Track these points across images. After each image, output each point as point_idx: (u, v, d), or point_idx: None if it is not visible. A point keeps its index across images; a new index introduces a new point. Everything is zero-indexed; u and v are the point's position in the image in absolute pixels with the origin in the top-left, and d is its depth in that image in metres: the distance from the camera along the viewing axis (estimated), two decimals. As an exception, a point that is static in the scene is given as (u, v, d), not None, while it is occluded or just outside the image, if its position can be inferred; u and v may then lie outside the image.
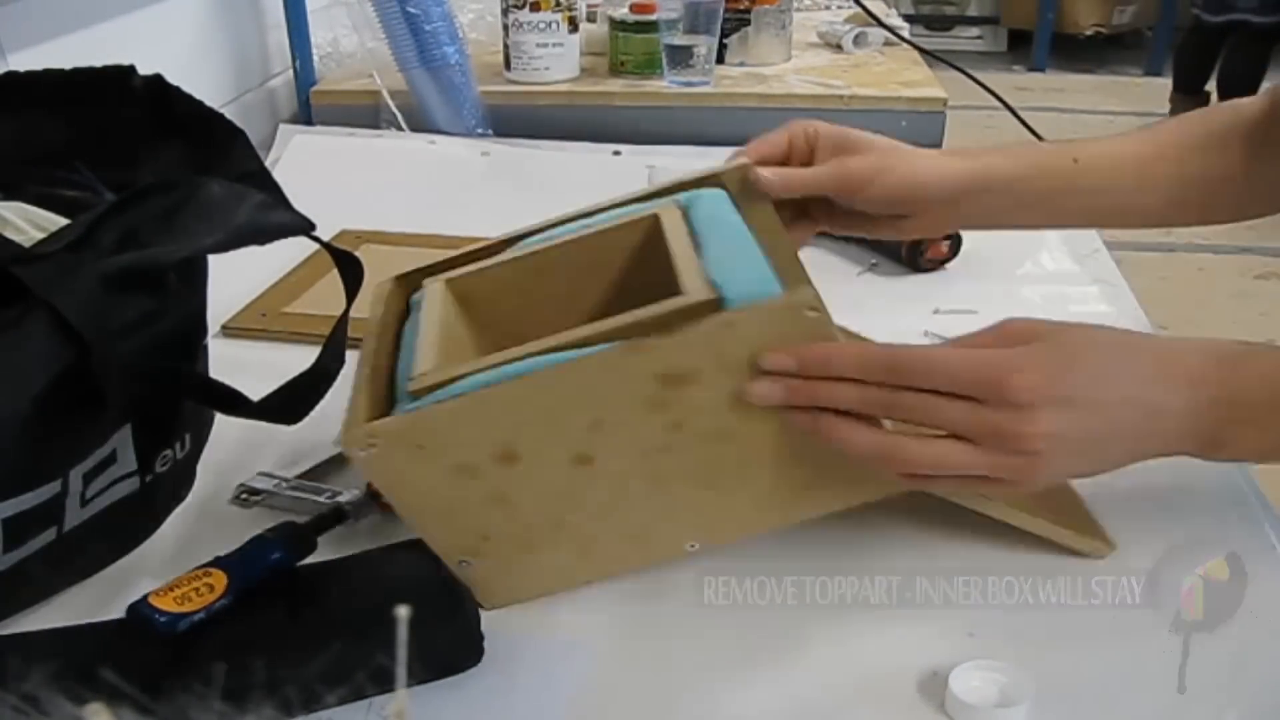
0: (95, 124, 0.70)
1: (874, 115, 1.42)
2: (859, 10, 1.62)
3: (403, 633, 0.30)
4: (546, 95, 1.46)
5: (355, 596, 0.62)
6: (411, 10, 1.37)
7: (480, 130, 1.44)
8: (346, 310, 0.72)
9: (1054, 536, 0.66)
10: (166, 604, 0.58)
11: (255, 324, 0.96)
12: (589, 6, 1.62)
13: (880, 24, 1.61)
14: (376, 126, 1.45)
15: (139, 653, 0.57)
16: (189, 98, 0.71)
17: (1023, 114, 1.43)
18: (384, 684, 0.56)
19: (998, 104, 1.42)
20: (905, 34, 1.66)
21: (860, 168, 0.73)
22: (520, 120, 1.45)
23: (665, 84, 1.46)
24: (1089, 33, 5.12)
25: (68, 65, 0.71)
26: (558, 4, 1.43)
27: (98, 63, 0.71)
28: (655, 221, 0.67)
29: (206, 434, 0.73)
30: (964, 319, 0.81)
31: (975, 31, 5.41)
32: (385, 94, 1.44)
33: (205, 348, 0.71)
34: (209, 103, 0.71)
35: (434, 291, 0.69)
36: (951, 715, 0.57)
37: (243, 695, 0.51)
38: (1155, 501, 0.72)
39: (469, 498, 0.60)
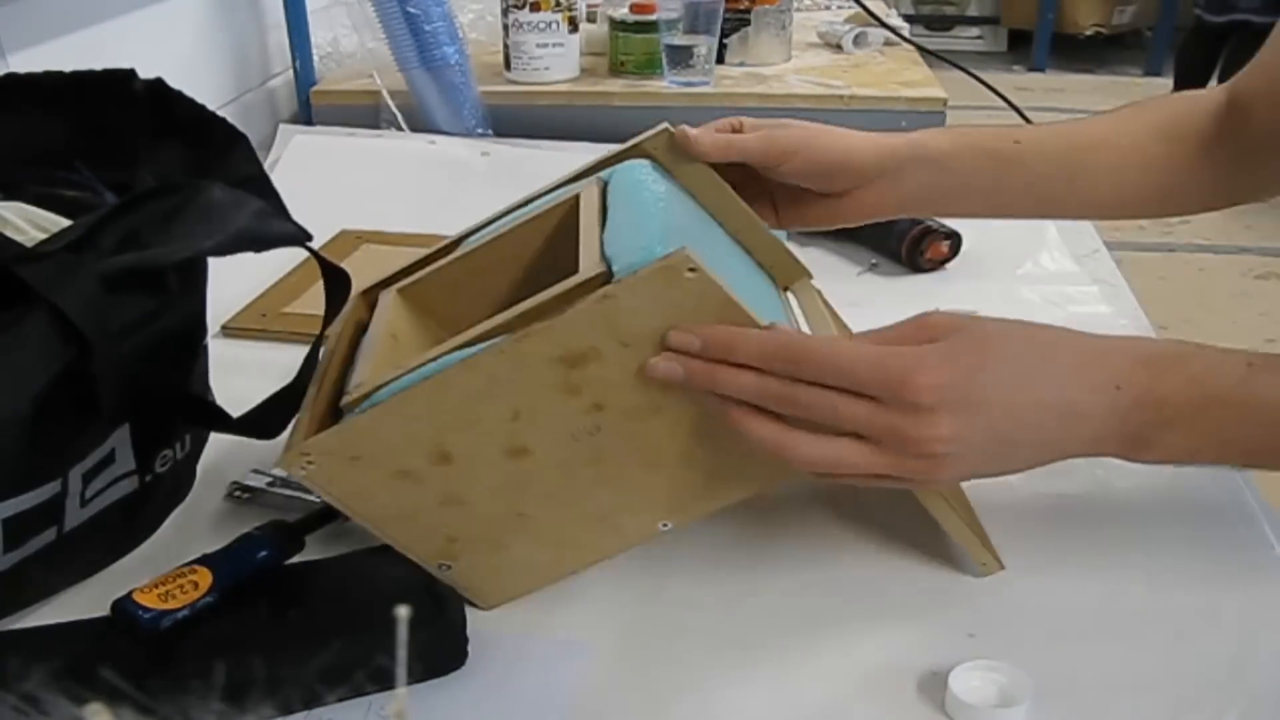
0: (95, 125, 0.70)
1: (874, 115, 1.42)
2: (859, 10, 1.62)
3: (402, 633, 0.30)
4: (546, 95, 1.46)
5: (341, 597, 0.62)
6: (411, 10, 1.37)
7: (480, 130, 1.44)
8: (324, 327, 0.71)
9: (962, 539, 0.65)
10: (151, 601, 0.58)
11: (255, 324, 0.96)
12: (589, 6, 1.62)
13: (881, 24, 1.61)
14: (376, 126, 1.45)
15: (123, 649, 0.58)
16: (190, 101, 0.71)
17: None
18: (372, 682, 0.56)
19: (997, 104, 1.42)
20: (905, 34, 1.66)
21: (787, 136, 0.73)
22: (520, 120, 1.45)
23: (665, 84, 1.46)
24: (1089, 33, 5.12)
25: (68, 65, 0.71)
26: (558, 4, 1.43)
27: (98, 63, 0.71)
28: (575, 202, 0.66)
29: (206, 435, 0.73)
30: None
31: (975, 31, 5.41)
32: (385, 94, 1.44)
33: (205, 348, 0.71)
34: (209, 103, 0.71)
35: (385, 302, 0.69)
36: (951, 715, 0.57)
37: (226, 693, 0.52)
38: (1154, 501, 0.72)
39: (420, 502, 0.60)
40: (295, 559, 0.65)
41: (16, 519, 0.59)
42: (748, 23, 1.53)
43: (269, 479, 0.73)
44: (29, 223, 0.62)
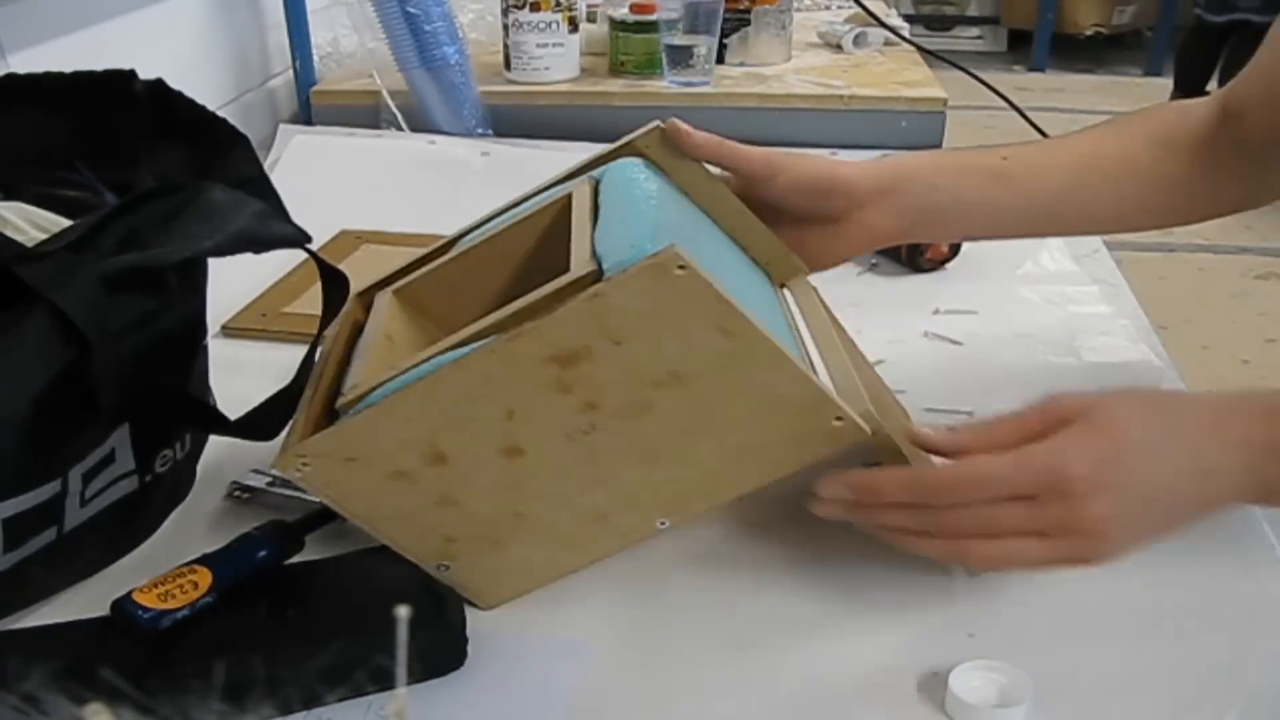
0: (96, 125, 0.70)
1: (874, 115, 1.42)
2: (859, 10, 1.62)
3: (402, 633, 0.30)
4: (546, 95, 1.46)
5: (340, 597, 0.62)
6: (411, 10, 1.37)
7: (480, 130, 1.44)
8: (321, 329, 0.71)
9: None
10: (150, 600, 0.58)
11: (255, 324, 0.96)
12: (589, 6, 1.62)
13: (881, 24, 1.61)
14: (376, 126, 1.45)
15: (122, 649, 0.58)
16: (190, 101, 0.71)
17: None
18: (371, 682, 0.56)
19: (997, 104, 1.43)
20: (905, 34, 1.66)
21: (779, 154, 0.73)
22: (520, 120, 1.45)
23: (665, 84, 1.46)
24: (1089, 33, 5.12)
25: (68, 65, 0.71)
26: (558, 4, 1.43)
27: (98, 63, 0.71)
28: (567, 201, 0.66)
29: (206, 435, 0.73)
30: (964, 319, 0.81)
31: (975, 31, 5.41)
32: (385, 94, 1.44)
33: (205, 348, 0.71)
34: (209, 103, 0.71)
35: (381, 303, 0.69)
36: (951, 715, 0.57)
37: (226, 693, 0.52)
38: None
39: (417, 503, 0.60)
40: (295, 559, 0.65)
41: (16, 519, 0.59)
42: (748, 23, 1.53)
43: (269, 479, 0.73)
44: (29, 223, 0.62)
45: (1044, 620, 0.64)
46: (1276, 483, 0.60)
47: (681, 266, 0.54)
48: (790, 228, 0.75)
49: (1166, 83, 4.48)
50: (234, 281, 0.94)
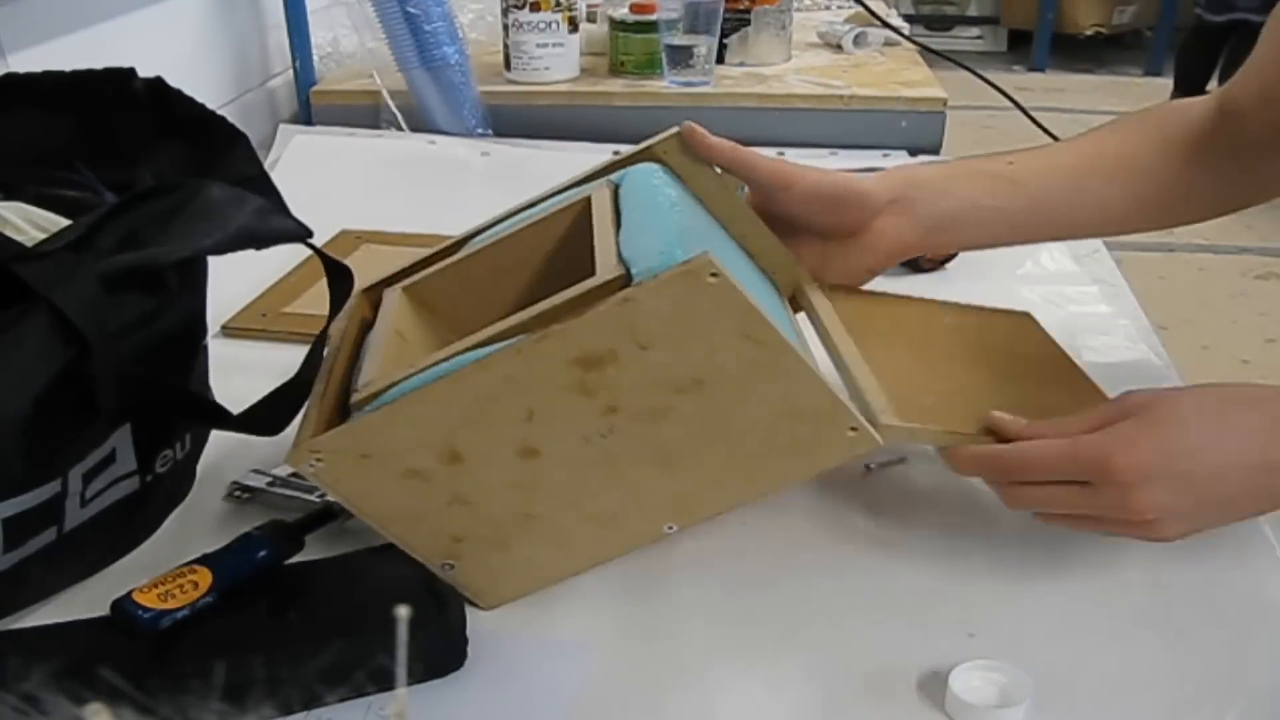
0: (95, 125, 0.70)
1: (874, 115, 1.42)
2: (859, 10, 1.62)
3: (402, 633, 0.30)
4: (546, 95, 1.46)
5: (341, 597, 0.62)
6: (411, 10, 1.37)
7: (480, 130, 1.44)
8: (328, 323, 0.71)
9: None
10: (150, 600, 0.58)
11: (255, 324, 0.96)
12: (589, 6, 1.62)
13: (884, 24, 1.61)
14: (376, 126, 1.45)
15: (122, 649, 0.57)
16: (190, 100, 0.71)
17: (1022, 115, 1.43)
18: (371, 682, 0.56)
19: (997, 104, 1.43)
20: (906, 33, 1.66)
21: (794, 166, 0.73)
22: (520, 120, 1.45)
23: (665, 84, 1.46)
24: (1089, 33, 5.12)
25: (68, 65, 0.71)
26: (558, 4, 1.43)
27: (98, 63, 0.71)
28: (586, 204, 0.66)
29: (206, 434, 0.73)
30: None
31: (975, 31, 5.41)
32: (385, 94, 1.44)
33: (205, 348, 0.71)
34: (209, 103, 0.71)
35: (391, 299, 0.69)
36: (951, 715, 0.57)
37: (226, 693, 0.52)
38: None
39: (428, 501, 0.60)
40: (295, 559, 0.65)
41: (16, 519, 0.59)
42: (748, 23, 1.53)
43: (269, 479, 0.74)
44: (29, 223, 0.62)
45: (1044, 620, 0.64)
46: None
47: (714, 274, 0.54)
48: (811, 243, 0.75)
49: (1166, 83, 4.48)
50: (234, 281, 0.94)
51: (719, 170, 0.73)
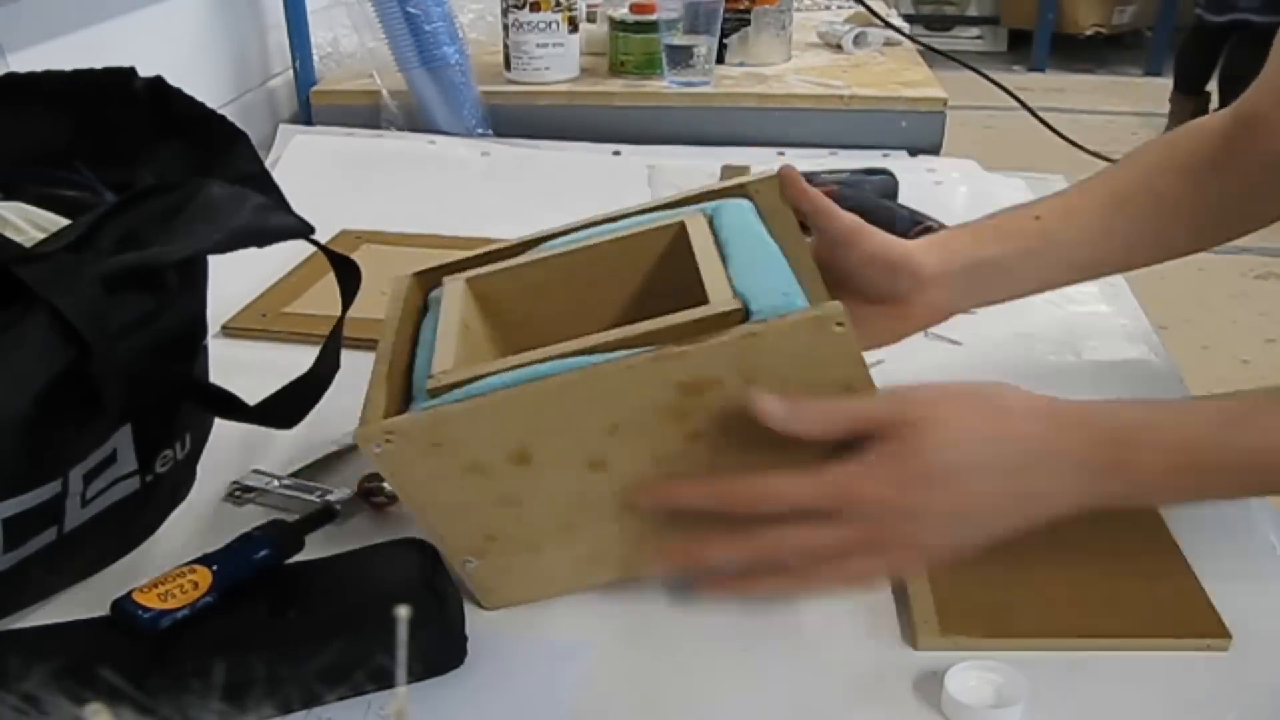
0: (95, 124, 0.70)
1: (874, 115, 1.43)
2: (859, 10, 1.62)
3: (402, 632, 0.30)
4: (546, 95, 1.46)
5: (340, 596, 0.62)
6: (411, 10, 1.37)
7: (480, 130, 1.44)
8: (342, 316, 0.72)
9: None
10: (150, 600, 0.58)
11: (255, 324, 0.96)
12: (589, 6, 1.62)
13: (886, 24, 1.61)
14: (376, 126, 1.45)
15: (122, 649, 0.58)
16: (190, 99, 0.71)
17: (1023, 115, 1.43)
18: (369, 681, 0.56)
19: (997, 104, 1.43)
20: (906, 33, 1.66)
21: (862, 226, 0.73)
22: (520, 120, 1.45)
23: (665, 84, 1.46)
24: (1089, 33, 5.12)
25: (68, 65, 0.71)
26: (558, 4, 1.43)
27: (98, 63, 0.71)
28: (681, 229, 0.67)
29: (206, 434, 0.73)
30: (964, 319, 0.81)
31: (975, 31, 5.41)
32: (385, 94, 1.44)
33: (205, 348, 0.71)
34: (209, 103, 0.71)
35: (454, 289, 0.69)
36: (947, 715, 0.57)
37: (226, 692, 0.52)
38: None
39: (480, 498, 0.60)
40: (295, 559, 0.65)
41: (16, 519, 0.59)
42: (748, 23, 1.53)
43: (269, 479, 0.74)
44: (29, 223, 0.62)
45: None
46: (1113, 499, 0.60)
47: (840, 324, 0.56)
48: (857, 303, 0.73)
49: (1166, 83, 4.48)
50: (234, 281, 0.94)
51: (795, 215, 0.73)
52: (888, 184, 1.18)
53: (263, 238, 0.64)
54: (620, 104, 1.45)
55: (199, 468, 0.73)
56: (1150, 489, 0.61)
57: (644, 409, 0.58)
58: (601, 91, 1.47)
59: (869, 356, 0.59)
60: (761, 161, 1.26)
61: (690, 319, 0.57)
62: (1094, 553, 0.67)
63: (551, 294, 0.69)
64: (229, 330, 0.95)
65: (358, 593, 0.63)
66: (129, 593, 0.59)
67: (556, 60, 1.46)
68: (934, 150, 1.43)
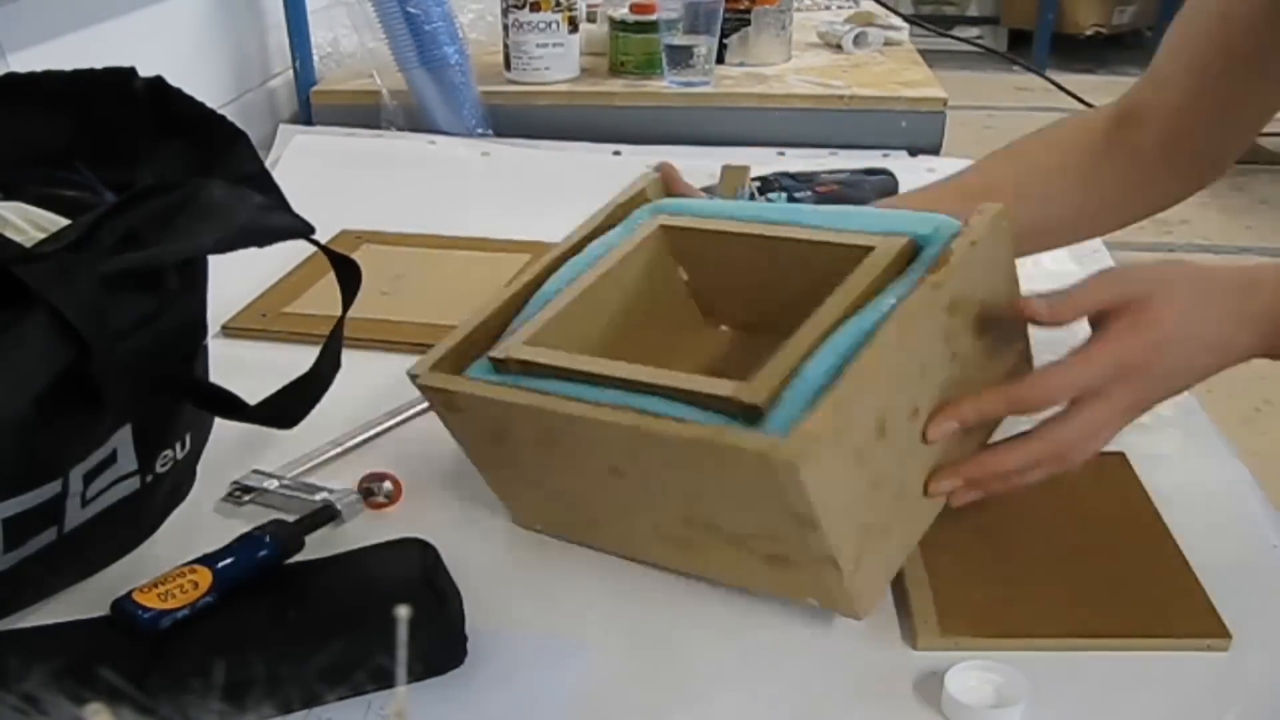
0: (95, 124, 0.70)
1: (874, 115, 1.43)
2: (859, 10, 1.62)
3: (402, 632, 0.30)
4: (546, 95, 1.46)
5: (340, 596, 0.62)
6: (411, 10, 1.37)
7: (480, 130, 1.44)
8: (343, 316, 0.72)
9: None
10: (150, 600, 0.59)
11: (255, 324, 0.96)
12: (589, 6, 1.62)
13: (892, 11, 1.60)
14: (376, 126, 1.45)
15: (122, 649, 0.58)
16: (190, 99, 0.71)
17: (1023, 114, 1.43)
18: (369, 681, 0.56)
19: (998, 104, 1.43)
20: (905, 34, 1.67)
21: None
22: (520, 120, 1.45)
23: (665, 84, 1.46)
24: (1089, 33, 5.12)
25: (68, 65, 0.71)
26: (558, 4, 1.43)
27: (98, 63, 0.71)
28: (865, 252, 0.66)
29: (207, 435, 0.73)
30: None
31: (975, 32, 5.41)
32: (385, 94, 1.44)
33: (205, 348, 0.71)
34: (209, 103, 0.71)
35: (647, 227, 0.74)
36: (947, 715, 0.57)
37: (226, 692, 0.52)
38: (1155, 501, 0.72)
39: (863, 486, 0.57)
40: (295, 559, 0.65)
41: (17, 519, 0.59)
42: (748, 23, 1.53)
43: (269, 479, 0.74)
44: (29, 223, 0.62)
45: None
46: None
47: (1004, 220, 0.65)
48: None
49: (1166, 83, 4.47)
50: (234, 281, 0.94)
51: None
52: (888, 184, 1.18)
53: (263, 237, 0.64)
54: (620, 104, 1.45)
55: (199, 468, 0.73)
56: None
57: (931, 342, 0.60)
58: (601, 91, 1.47)
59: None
60: (761, 161, 1.26)
61: (888, 259, 0.62)
62: (1094, 553, 0.67)
63: (753, 265, 0.71)
64: (229, 330, 0.95)
65: (358, 593, 0.63)
66: (129, 593, 0.59)
67: (556, 60, 1.46)
68: (934, 150, 1.43)
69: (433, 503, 0.73)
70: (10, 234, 0.60)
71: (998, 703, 0.57)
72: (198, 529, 0.70)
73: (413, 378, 0.66)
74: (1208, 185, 0.85)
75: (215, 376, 0.73)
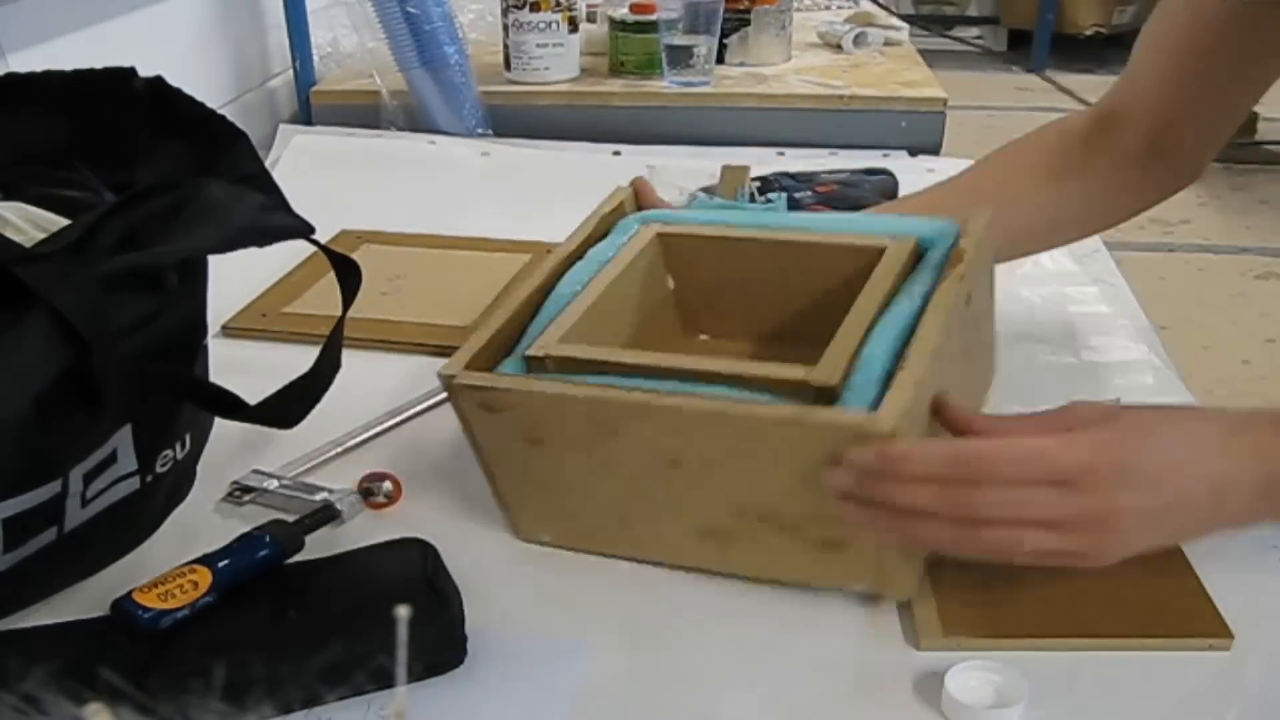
0: (95, 124, 0.70)
1: (874, 115, 1.43)
2: (859, 10, 1.61)
3: (402, 632, 0.30)
4: (546, 95, 1.46)
5: (341, 596, 0.62)
6: (411, 10, 1.37)
7: (480, 130, 1.44)
8: (343, 316, 0.72)
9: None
10: (150, 600, 0.59)
11: (255, 324, 0.96)
12: (589, 6, 1.62)
13: (888, 16, 1.60)
14: (377, 126, 1.45)
15: (122, 649, 0.58)
16: (190, 99, 0.71)
17: (1022, 114, 1.43)
18: (369, 681, 0.56)
19: (998, 104, 1.43)
20: (905, 35, 1.67)
21: None
22: (520, 120, 1.45)
23: (665, 84, 1.46)
24: (1089, 33, 5.12)
25: (68, 65, 0.71)
26: (558, 4, 1.43)
27: (98, 63, 0.71)
28: (877, 256, 0.68)
29: (207, 434, 0.73)
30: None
31: (975, 31, 5.41)
32: (385, 94, 1.44)
33: (205, 348, 0.72)
34: (209, 103, 0.71)
35: (644, 236, 0.74)
36: (947, 716, 0.57)
37: (226, 692, 0.52)
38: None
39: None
40: (295, 559, 0.65)
41: (17, 519, 0.59)
42: (748, 23, 1.53)
43: (269, 479, 0.74)
44: (29, 223, 0.62)
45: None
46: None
47: (988, 225, 0.69)
48: None
49: (1166, 82, 4.47)
50: (234, 281, 0.94)
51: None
52: (887, 184, 1.18)
53: (264, 237, 0.64)
54: (620, 104, 1.45)
55: (199, 468, 0.73)
56: None
57: (960, 328, 0.63)
58: (601, 91, 1.47)
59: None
60: (761, 161, 1.26)
61: (904, 253, 0.66)
62: None
63: (738, 270, 0.72)
64: (229, 330, 0.95)
65: (358, 593, 0.63)
66: (129, 593, 0.59)
67: (556, 60, 1.46)
68: (934, 150, 1.43)
69: (433, 503, 0.73)
70: (10, 234, 0.60)
71: (998, 703, 0.57)
72: (198, 529, 0.70)
73: (447, 378, 0.63)
74: (1187, 185, 0.85)
75: (215, 376, 0.73)
